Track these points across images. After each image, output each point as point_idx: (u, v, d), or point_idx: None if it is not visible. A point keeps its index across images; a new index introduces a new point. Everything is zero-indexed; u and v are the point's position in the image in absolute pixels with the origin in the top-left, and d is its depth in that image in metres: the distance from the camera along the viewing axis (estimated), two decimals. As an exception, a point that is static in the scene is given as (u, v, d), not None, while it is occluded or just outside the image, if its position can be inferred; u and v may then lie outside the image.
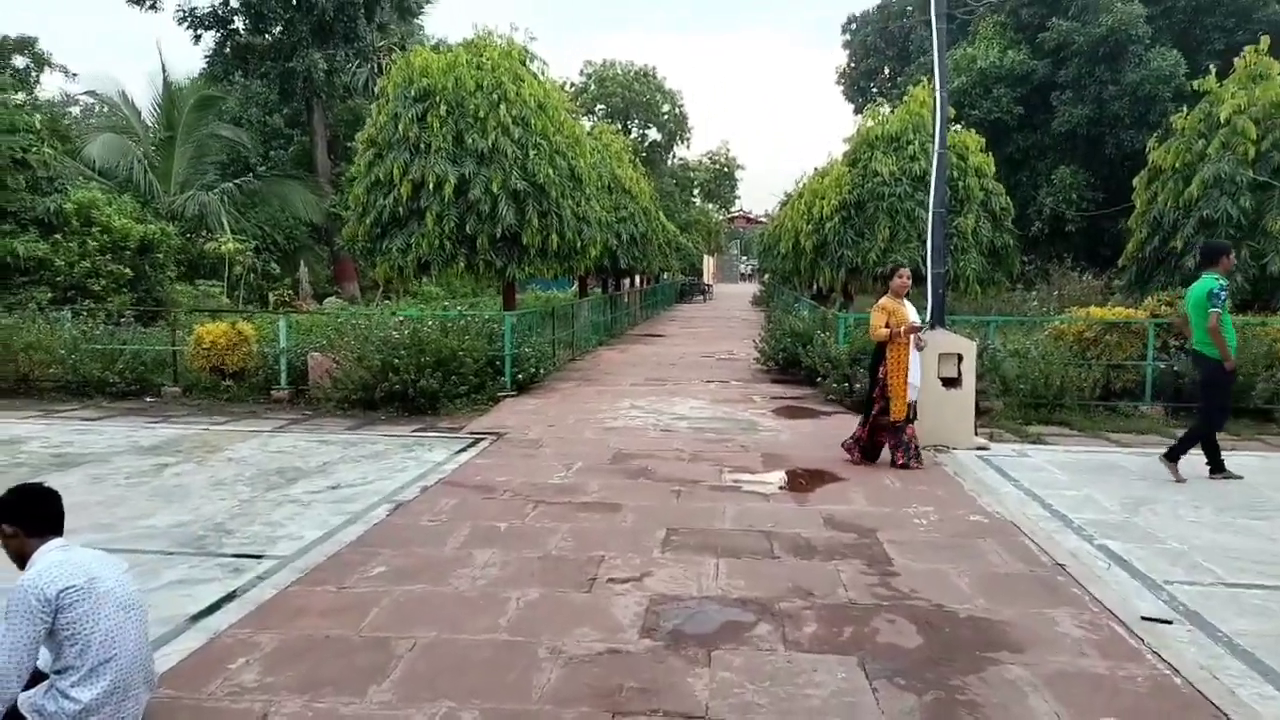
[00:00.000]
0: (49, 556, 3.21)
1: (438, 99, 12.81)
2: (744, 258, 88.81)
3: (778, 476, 7.62)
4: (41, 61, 33.14)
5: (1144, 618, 4.59)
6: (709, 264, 67.31)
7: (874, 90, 43.22)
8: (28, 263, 15.66)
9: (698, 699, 3.68)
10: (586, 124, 28.15)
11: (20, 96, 21.21)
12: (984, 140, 16.43)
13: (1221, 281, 7.44)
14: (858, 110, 43.36)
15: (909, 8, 41.03)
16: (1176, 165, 14.18)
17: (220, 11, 26.50)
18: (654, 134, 50.55)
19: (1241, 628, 4.51)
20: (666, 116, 50.13)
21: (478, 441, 9.09)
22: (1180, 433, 9.73)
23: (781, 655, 4.10)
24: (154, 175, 25.12)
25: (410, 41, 27.80)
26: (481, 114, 12.79)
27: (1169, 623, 4.57)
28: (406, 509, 6.52)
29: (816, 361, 12.35)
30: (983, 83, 30.27)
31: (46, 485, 3.41)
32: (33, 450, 8.56)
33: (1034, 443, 9.44)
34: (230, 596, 4.78)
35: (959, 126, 18.10)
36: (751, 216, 70.39)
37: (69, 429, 9.75)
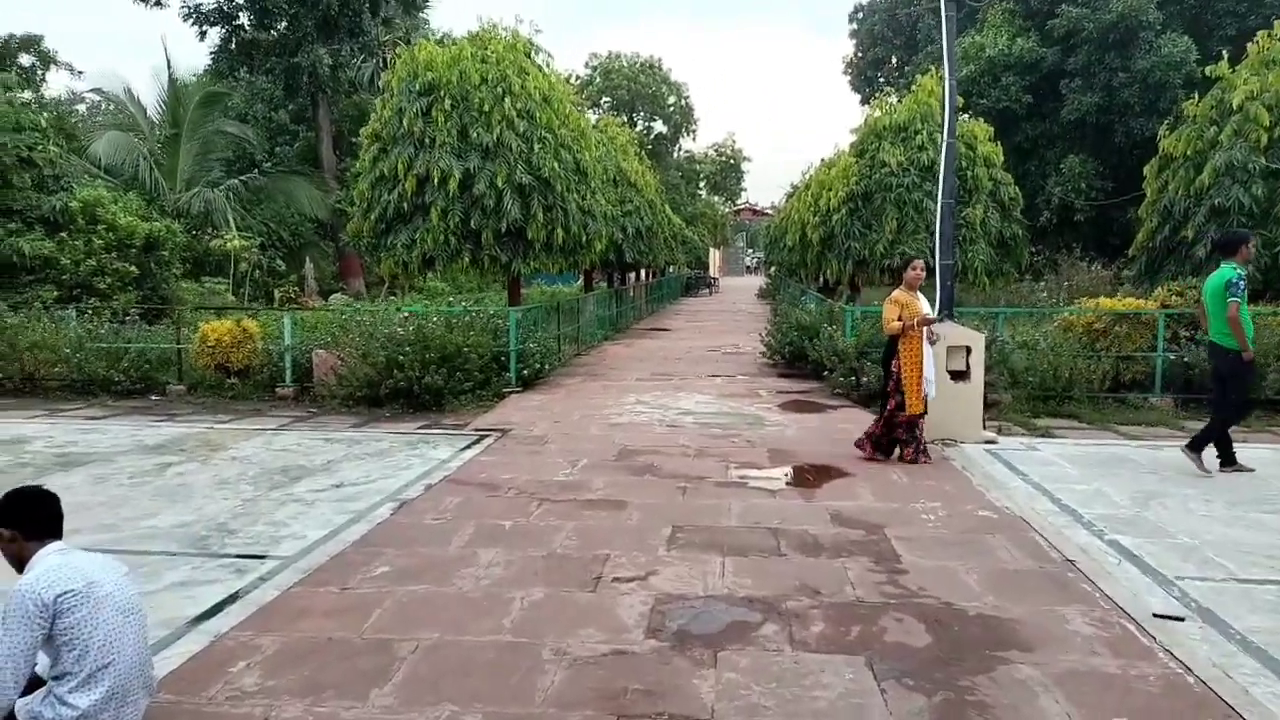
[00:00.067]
0: (47, 560, 3.18)
1: (442, 93, 12.77)
2: (750, 250, 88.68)
3: (784, 472, 7.57)
4: (47, 60, 33.24)
5: (1156, 615, 4.53)
6: (715, 257, 67.18)
7: (881, 80, 42.95)
8: (33, 261, 15.68)
9: (703, 701, 3.64)
10: (592, 117, 28.08)
11: (26, 95, 21.31)
12: (992, 129, 16.30)
13: (1240, 271, 7.35)
14: (865, 100, 43.20)
15: (916, -4, 40.76)
16: (1188, 153, 14.02)
17: (225, 7, 26.52)
18: (659, 126, 50.44)
19: (1254, 624, 4.44)
20: (672, 108, 50.00)
21: (482, 438, 9.06)
22: (1190, 424, 9.66)
23: (788, 656, 4.05)
24: (159, 172, 25.17)
25: (415, 35, 27.78)
26: (486, 108, 12.73)
27: (1181, 620, 4.50)
28: (410, 507, 6.49)
29: (823, 355, 12.27)
30: (991, 71, 30.03)
31: (45, 488, 3.38)
32: (37, 450, 8.56)
33: (1043, 436, 9.36)
34: (232, 598, 4.76)
35: (967, 116, 17.97)
36: (757, 209, 70.16)
37: (74, 428, 9.75)
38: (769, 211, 59.81)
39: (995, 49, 30.23)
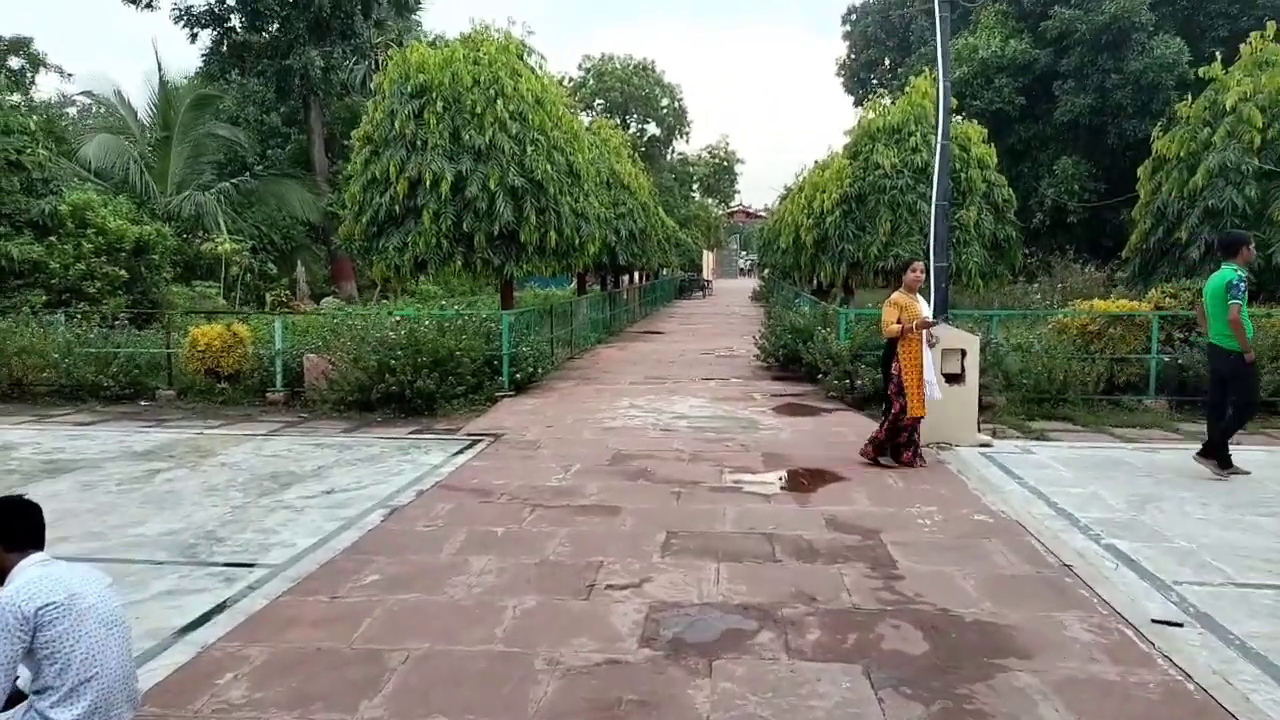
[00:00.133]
0: (28, 572, 3.10)
1: (434, 95, 12.69)
2: (744, 253, 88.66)
3: (779, 476, 7.52)
4: (37, 62, 33.07)
5: (1154, 620, 4.49)
6: (708, 259, 67.18)
7: (874, 82, 42.96)
8: (22, 265, 15.57)
9: (698, 711, 3.58)
10: (585, 119, 28.03)
11: (15, 97, 21.17)
12: (986, 131, 16.30)
13: (1241, 273, 7.35)
14: (858, 102, 43.18)
15: (908, -2, 40.83)
16: (1181, 154, 14.02)
17: (216, 10, 26.41)
18: (653, 128, 50.48)
19: (1253, 630, 4.40)
20: (665, 111, 50.04)
21: (475, 443, 8.99)
22: (1184, 426, 9.65)
23: (784, 664, 4.00)
24: (150, 176, 25.01)
25: (408, 37, 27.66)
26: (478, 110, 12.67)
27: (1179, 625, 4.46)
28: (401, 514, 6.42)
29: (817, 358, 12.23)
30: (984, 73, 30.09)
31: (26, 497, 3.30)
32: (24, 457, 8.46)
33: (1037, 439, 9.33)
34: (220, 608, 4.68)
35: (960, 117, 18.00)
36: (751, 211, 70.20)
37: (62, 434, 9.65)
38: (762, 213, 59.83)
39: (988, 50, 30.29)
